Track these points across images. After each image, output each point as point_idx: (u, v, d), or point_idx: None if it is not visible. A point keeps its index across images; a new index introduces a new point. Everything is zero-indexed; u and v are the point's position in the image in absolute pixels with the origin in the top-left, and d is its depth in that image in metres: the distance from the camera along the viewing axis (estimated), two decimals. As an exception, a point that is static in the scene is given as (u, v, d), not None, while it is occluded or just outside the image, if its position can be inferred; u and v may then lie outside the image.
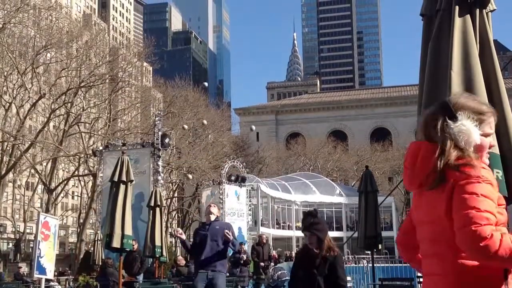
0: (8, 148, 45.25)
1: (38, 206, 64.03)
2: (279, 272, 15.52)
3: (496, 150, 3.71)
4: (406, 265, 19.27)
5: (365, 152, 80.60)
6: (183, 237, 8.42)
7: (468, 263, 2.23)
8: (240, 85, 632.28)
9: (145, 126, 54.13)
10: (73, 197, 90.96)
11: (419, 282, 15.79)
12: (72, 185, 79.77)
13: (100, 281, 15.65)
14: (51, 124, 51.09)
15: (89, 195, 51.34)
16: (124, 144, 25.54)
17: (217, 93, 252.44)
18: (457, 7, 3.90)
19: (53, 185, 50.22)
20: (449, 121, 2.34)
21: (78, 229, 57.38)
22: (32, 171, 55.67)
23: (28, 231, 63.76)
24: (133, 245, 14.70)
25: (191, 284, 8.71)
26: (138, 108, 58.21)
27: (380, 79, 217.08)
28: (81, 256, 37.05)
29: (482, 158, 2.37)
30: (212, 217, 8.48)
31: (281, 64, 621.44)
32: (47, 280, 14.58)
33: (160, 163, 25.05)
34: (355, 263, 23.79)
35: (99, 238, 25.86)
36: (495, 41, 4.45)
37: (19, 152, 45.29)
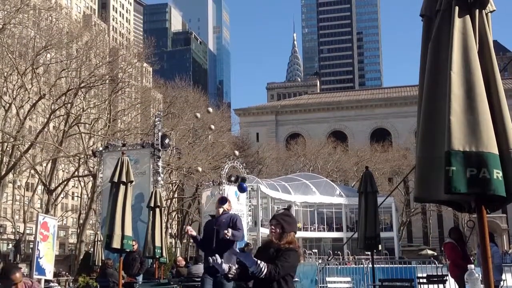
0: (8, 148, 45.25)
1: (38, 206, 64.02)
2: None
3: (495, 150, 3.71)
4: (406, 266, 19.28)
5: (365, 152, 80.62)
6: (194, 233, 8.37)
7: None
8: (240, 85, 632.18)
9: (145, 126, 54.14)
10: (73, 198, 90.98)
11: (419, 283, 15.81)
12: (72, 186, 79.80)
13: (100, 282, 15.63)
14: (51, 124, 51.10)
15: (89, 195, 51.34)
16: (124, 145, 25.54)
17: (217, 93, 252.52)
18: (457, 8, 3.90)
19: (53, 185, 50.20)
20: None
21: (78, 230, 57.36)
22: (32, 171, 55.68)
23: (28, 231, 63.75)
24: (133, 246, 14.70)
25: (201, 277, 8.66)
26: (138, 108, 58.23)
27: (380, 79, 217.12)
28: (81, 256, 37.03)
29: None
30: (221, 211, 8.48)
31: (281, 64, 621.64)
32: (47, 281, 14.57)
33: (160, 163, 25.06)
34: (355, 264, 23.78)
35: (99, 239, 25.85)
36: (494, 41, 4.44)
37: (19, 152, 45.28)
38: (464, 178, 3.63)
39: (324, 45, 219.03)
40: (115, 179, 11.68)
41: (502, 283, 12.48)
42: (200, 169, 41.80)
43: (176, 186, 60.74)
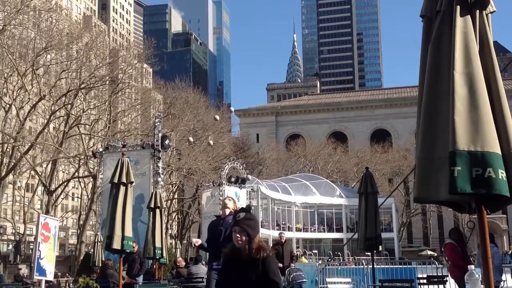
0: (8, 149, 45.25)
1: (38, 207, 64.02)
2: (294, 274, 15.34)
3: (498, 150, 3.71)
4: (406, 266, 19.28)
5: (365, 153, 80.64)
6: (200, 242, 8.39)
7: None
8: (240, 86, 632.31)
9: (145, 127, 54.14)
10: (73, 199, 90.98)
11: (419, 284, 15.80)
12: (72, 187, 79.79)
13: (100, 283, 15.64)
14: (51, 125, 51.10)
15: (89, 196, 51.33)
16: (124, 146, 25.53)
17: (217, 94, 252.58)
18: (457, 8, 3.90)
19: (53, 186, 50.18)
20: None
21: (78, 231, 57.36)
22: (32, 172, 55.65)
23: (28, 232, 63.74)
24: (134, 247, 14.70)
25: (206, 281, 8.64)
26: (138, 109, 58.24)
27: (380, 80, 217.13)
28: (81, 257, 37.02)
29: None
30: (227, 211, 8.43)
31: (281, 65, 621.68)
32: (47, 282, 14.57)
33: (160, 164, 25.05)
34: (355, 265, 23.77)
35: (99, 240, 25.84)
36: (495, 42, 4.45)
37: (19, 153, 45.26)
38: (469, 178, 3.63)
39: (324, 46, 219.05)
40: (115, 180, 11.69)
41: (502, 283, 12.48)
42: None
43: (176, 187, 60.73)
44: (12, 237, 69.98)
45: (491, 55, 3.98)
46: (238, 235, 4.61)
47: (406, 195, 75.72)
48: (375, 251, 14.08)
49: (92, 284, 24.33)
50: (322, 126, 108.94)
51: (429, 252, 61.13)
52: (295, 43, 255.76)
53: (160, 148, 24.57)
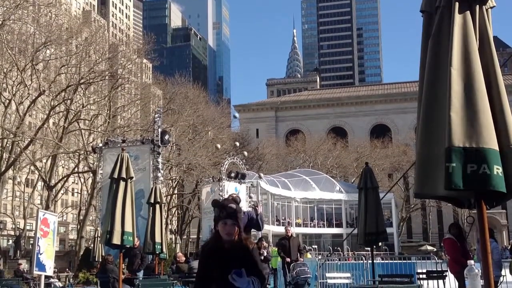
0: (8, 145, 45.24)
1: (38, 203, 64.05)
2: (298, 269, 15.24)
3: (495, 146, 3.71)
4: (405, 261, 19.30)
5: (365, 148, 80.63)
6: None
7: None
8: (240, 81, 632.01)
9: (144, 123, 54.11)
10: (73, 194, 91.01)
11: (419, 279, 15.83)
12: (72, 182, 79.75)
13: (100, 278, 15.66)
14: (51, 121, 51.06)
15: (89, 192, 51.37)
16: (124, 141, 25.54)
17: (217, 89, 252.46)
18: (457, 4, 3.90)
19: (53, 182, 50.21)
20: None
21: (78, 226, 57.39)
22: (32, 168, 55.67)
23: (28, 228, 63.77)
24: (135, 242, 14.72)
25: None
26: (138, 105, 58.16)
27: (380, 75, 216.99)
28: (81, 252, 37.09)
29: None
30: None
31: (281, 60, 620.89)
32: (47, 277, 14.59)
33: (160, 160, 25.07)
34: (355, 260, 23.82)
35: (99, 235, 25.87)
36: (495, 37, 4.43)
37: (18, 149, 45.26)
38: (464, 174, 3.64)
39: (324, 41, 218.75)
40: (115, 175, 11.69)
41: (501, 278, 12.50)
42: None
43: (176, 182, 60.76)
44: (12, 232, 70.01)
45: (491, 50, 3.97)
46: (229, 228, 4.52)
47: (406, 190, 75.78)
48: (374, 246, 14.09)
49: (92, 279, 24.39)
50: (322, 121, 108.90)
51: (429, 247, 61.29)
52: (295, 38, 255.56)
53: (160, 144, 24.58)
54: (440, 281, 15.32)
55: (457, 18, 3.88)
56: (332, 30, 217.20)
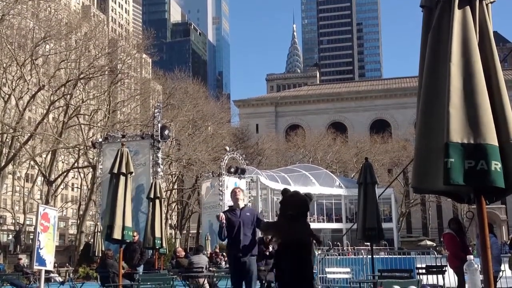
0: (7, 140, 45.24)
1: (38, 197, 64.11)
2: None
3: (494, 141, 3.72)
4: (405, 256, 19.33)
5: (365, 144, 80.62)
6: (224, 218, 8.50)
7: None
8: (240, 77, 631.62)
9: (144, 118, 54.13)
10: (72, 189, 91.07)
11: (418, 274, 15.85)
12: (72, 177, 79.83)
13: (100, 273, 15.67)
14: (51, 116, 51.06)
15: (89, 187, 51.41)
16: (123, 136, 25.56)
17: (217, 85, 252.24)
18: (457, -2, 3.89)
19: (52, 177, 50.25)
20: None
21: (78, 221, 57.48)
22: (32, 163, 55.68)
23: (28, 222, 63.87)
24: (134, 237, 14.73)
25: (231, 270, 8.94)
26: (138, 100, 58.17)
27: (380, 70, 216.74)
28: (81, 247, 37.14)
29: None
30: (241, 204, 8.72)
31: (280, 56, 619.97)
32: (47, 272, 14.62)
33: (159, 155, 25.09)
34: (355, 255, 23.84)
35: (99, 230, 25.92)
36: (495, 32, 4.43)
37: (18, 144, 45.28)
38: (462, 170, 3.64)
39: (324, 36, 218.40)
40: (115, 170, 11.70)
41: (500, 273, 12.53)
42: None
43: (176, 177, 60.82)
44: (12, 227, 70.13)
45: (491, 45, 3.97)
46: (304, 225, 5.28)
47: (405, 186, 75.82)
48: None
49: (92, 274, 24.44)
50: (322, 116, 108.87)
51: (428, 242, 61.34)
52: (295, 33, 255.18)
53: (159, 139, 24.60)
54: (440, 276, 15.33)
55: (457, 12, 3.87)
56: (332, 25, 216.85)
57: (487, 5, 4.06)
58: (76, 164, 53.28)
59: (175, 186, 62.38)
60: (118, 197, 11.40)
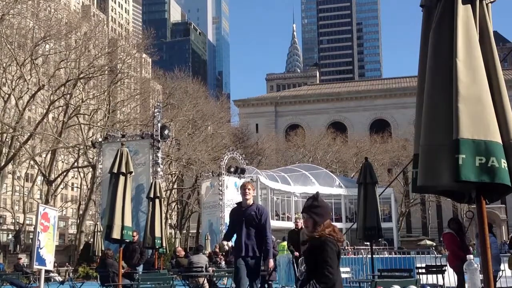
0: (7, 139, 45.24)
1: (38, 197, 64.13)
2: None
3: (499, 139, 3.72)
4: (405, 256, 19.35)
5: (365, 143, 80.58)
6: (231, 244, 8.52)
7: None
8: (240, 76, 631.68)
9: (144, 117, 54.11)
10: (72, 189, 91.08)
11: (418, 273, 15.86)
12: (72, 177, 79.81)
13: (100, 272, 15.68)
14: (50, 115, 51.07)
15: (89, 186, 51.42)
16: (123, 136, 25.57)
17: (217, 84, 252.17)
18: (458, -3, 3.89)
19: (52, 176, 50.24)
20: None
21: (78, 221, 57.48)
22: (32, 162, 55.68)
23: (27, 222, 63.84)
24: (134, 236, 14.73)
25: (234, 269, 8.81)
26: (137, 99, 58.16)
27: (380, 70, 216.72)
28: (81, 247, 37.14)
29: None
30: (249, 201, 8.48)
31: (280, 55, 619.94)
32: (47, 271, 14.61)
33: (159, 154, 25.10)
34: (354, 254, 23.86)
35: (98, 230, 25.92)
36: (495, 32, 4.44)
37: (18, 143, 45.27)
38: (473, 166, 3.63)
39: (324, 36, 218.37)
40: (115, 170, 11.70)
41: (500, 273, 12.54)
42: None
43: (175, 177, 60.81)
44: (12, 227, 70.11)
45: (491, 44, 3.97)
46: (304, 222, 5.11)
47: (405, 185, 75.80)
48: (373, 241, 14.11)
49: (92, 274, 24.45)
50: (322, 116, 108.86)
51: (428, 242, 61.35)
52: (295, 33, 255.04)
53: (159, 138, 24.61)
54: (439, 276, 15.35)
55: (460, 10, 3.87)
56: (332, 25, 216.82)
57: (487, 4, 4.07)
58: (76, 164, 53.28)
59: (175, 186, 62.37)
60: (118, 196, 11.41)
